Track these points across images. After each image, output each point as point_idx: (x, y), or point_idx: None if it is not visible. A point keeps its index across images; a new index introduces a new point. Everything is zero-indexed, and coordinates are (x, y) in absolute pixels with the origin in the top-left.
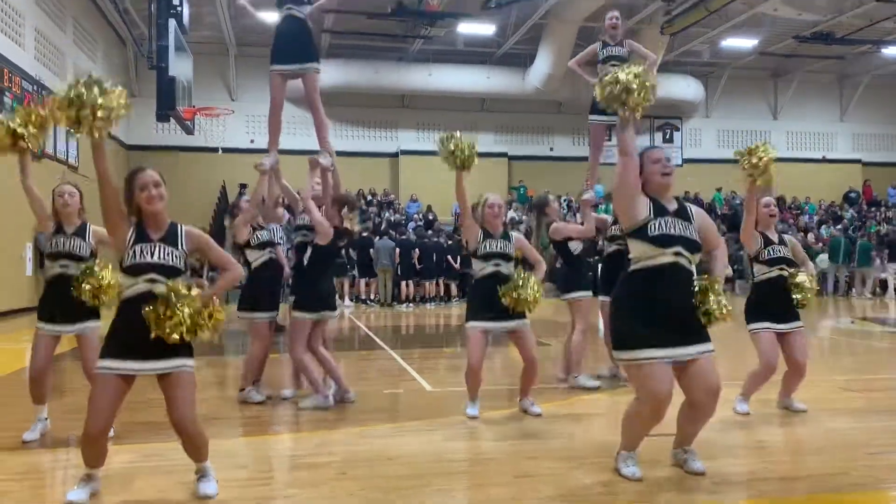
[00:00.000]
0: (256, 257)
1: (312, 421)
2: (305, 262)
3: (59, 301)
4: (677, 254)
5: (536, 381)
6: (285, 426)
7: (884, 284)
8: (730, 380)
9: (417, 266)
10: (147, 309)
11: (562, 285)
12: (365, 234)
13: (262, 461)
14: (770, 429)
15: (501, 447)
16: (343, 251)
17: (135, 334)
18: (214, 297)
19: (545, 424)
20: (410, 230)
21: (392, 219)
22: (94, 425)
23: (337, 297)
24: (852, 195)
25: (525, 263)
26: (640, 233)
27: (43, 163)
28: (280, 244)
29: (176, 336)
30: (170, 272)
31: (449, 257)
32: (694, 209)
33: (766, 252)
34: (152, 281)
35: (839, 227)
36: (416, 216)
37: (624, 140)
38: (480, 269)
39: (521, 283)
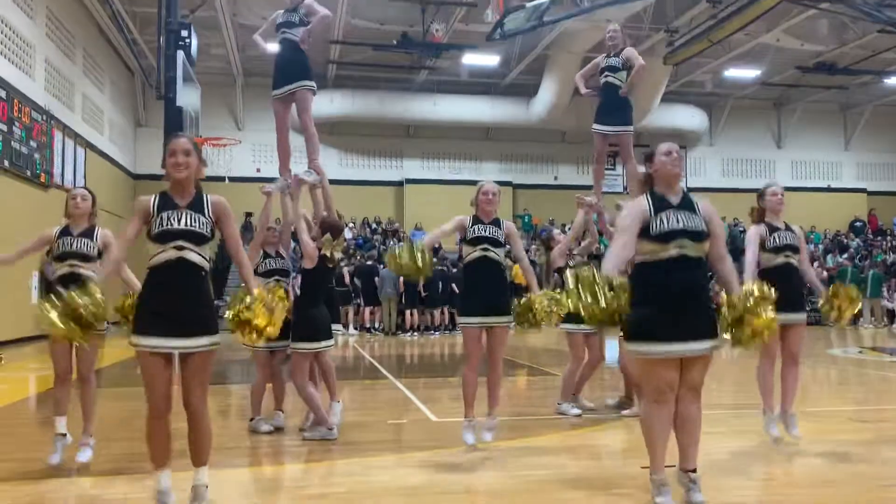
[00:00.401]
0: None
1: (317, 452)
2: (298, 290)
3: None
4: (681, 247)
5: (499, 389)
6: (290, 457)
7: (891, 314)
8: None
9: (422, 294)
10: (234, 315)
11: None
12: (370, 263)
13: (268, 492)
14: (779, 460)
15: (504, 478)
16: (341, 277)
17: (163, 304)
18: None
19: (549, 456)
20: None
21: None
22: (154, 402)
23: (341, 324)
24: (858, 224)
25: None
26: (644, 233)
27: (51, 192)
28: (288, 271)
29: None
30: (197, 239)
31: (454, 285)
32: (702, 204)
33: (771, 239)
34: (180, 248)
35: (845, 256)
36: None
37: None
38: (469, 253)
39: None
